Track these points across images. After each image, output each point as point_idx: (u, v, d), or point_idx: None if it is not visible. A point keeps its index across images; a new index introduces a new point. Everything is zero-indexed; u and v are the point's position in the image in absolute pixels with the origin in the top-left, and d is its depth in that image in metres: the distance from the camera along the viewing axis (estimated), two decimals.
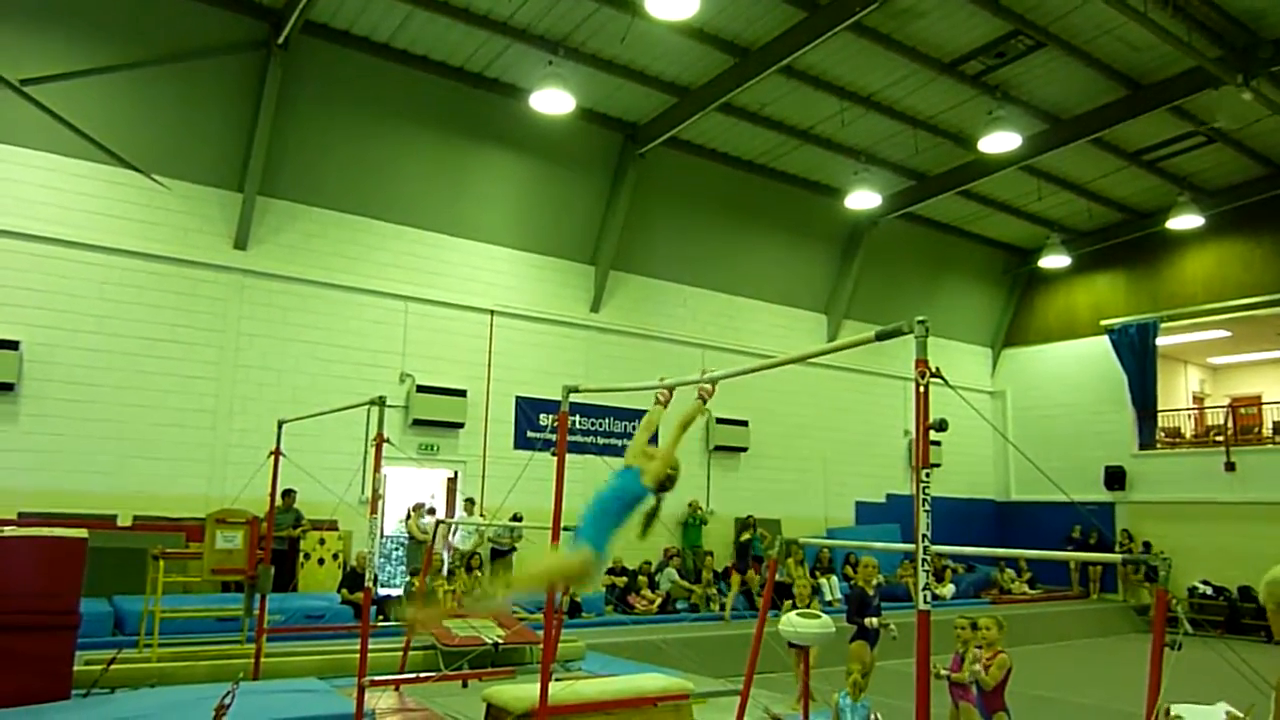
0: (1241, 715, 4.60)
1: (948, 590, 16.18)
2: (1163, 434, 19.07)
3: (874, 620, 7.96)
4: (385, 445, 6.45)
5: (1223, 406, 19.31)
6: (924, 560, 3.12)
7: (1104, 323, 19.22)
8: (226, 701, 4.68)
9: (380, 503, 6.64)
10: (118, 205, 11.43)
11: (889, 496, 18.69)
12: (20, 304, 10.79)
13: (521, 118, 13.20)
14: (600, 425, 15.07)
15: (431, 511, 13.25)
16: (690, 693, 6.76)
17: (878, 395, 18.79)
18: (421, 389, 13.25)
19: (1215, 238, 17.70)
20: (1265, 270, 17.12)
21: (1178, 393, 21.06)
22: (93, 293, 11.25)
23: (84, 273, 11.20)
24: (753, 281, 17.13)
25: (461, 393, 13.62)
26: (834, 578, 15.13)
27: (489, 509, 13.17)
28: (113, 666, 7.06)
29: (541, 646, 6.93)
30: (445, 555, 13.18)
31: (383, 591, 11.97)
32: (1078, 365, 19.95)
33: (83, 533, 6.39)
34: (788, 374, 16.94)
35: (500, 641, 9.05)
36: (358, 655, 6.35)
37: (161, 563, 8.41)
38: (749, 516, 16.07)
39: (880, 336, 3.55)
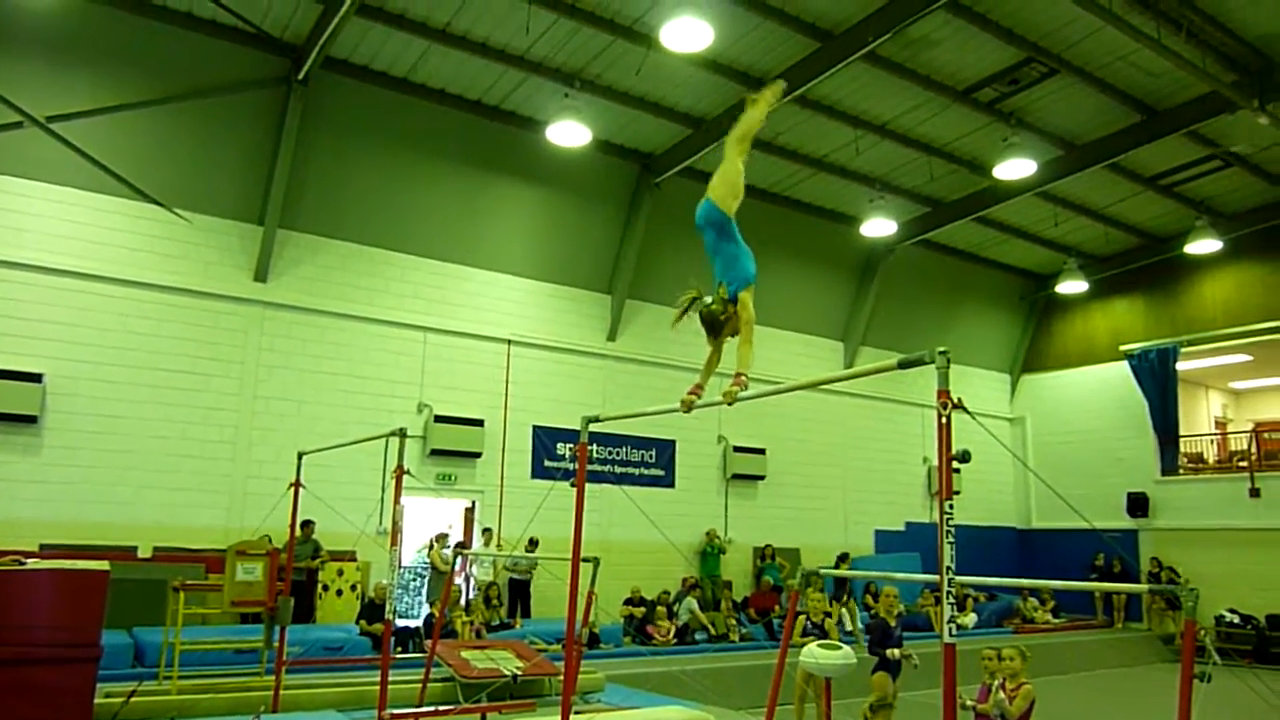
0: None
1: (970, 620, 15.99)
2: (1185, 460, 18.85)
3: (895, 651, 7.88)
4: (404, 476, 6.47)
5: (1246, 431, 19.10)
6: (949, 592, 3.10)
7: (1123, 348, 19.08)
8: None
9: (399, 535, 6.64)
10: (140, 239, 11.58)
11: (908, 524, 18.54)
12: (43, 337, 10.91)
13: (538, 149, 13.32)
14: (617, 454, 15.06)
15: (460, 546, 13.23)
16: None
17: (896, 422, 18.70)
18: (439, 419, 13.28)
19: (1234, 261, 17.59)
20: None
21: (1199, 418, 20.84)
22: (115, 325, 11.37)
23: (106, 306, 11.33)
24: (769, 309, 16.98)
25: (479, 422, 13.64)
26: (854, 605, 14.98)
27: (507, 539, 13.16)
28: (133, 699, 7.06)
29: (561, 678, 6.89)
30: (465, 586, 13.17)
31: (401, 623, 11.93)
32: (1098, 391, 19.78)
33: (104, 565, 6.41)
34: (805, 402, 16.92)
35: (519, 674, 9.00)
36: (377, 687, 6.33)
37: (182, 594, 8.42)
38: (767, 546, 16.00)
39: (903, 365, 3.55)
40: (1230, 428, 21.03)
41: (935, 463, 3.14)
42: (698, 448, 15.99)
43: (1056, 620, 17.78)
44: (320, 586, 11.97)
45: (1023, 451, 20.29)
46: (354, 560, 12.29)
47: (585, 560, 6.27)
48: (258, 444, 12.06)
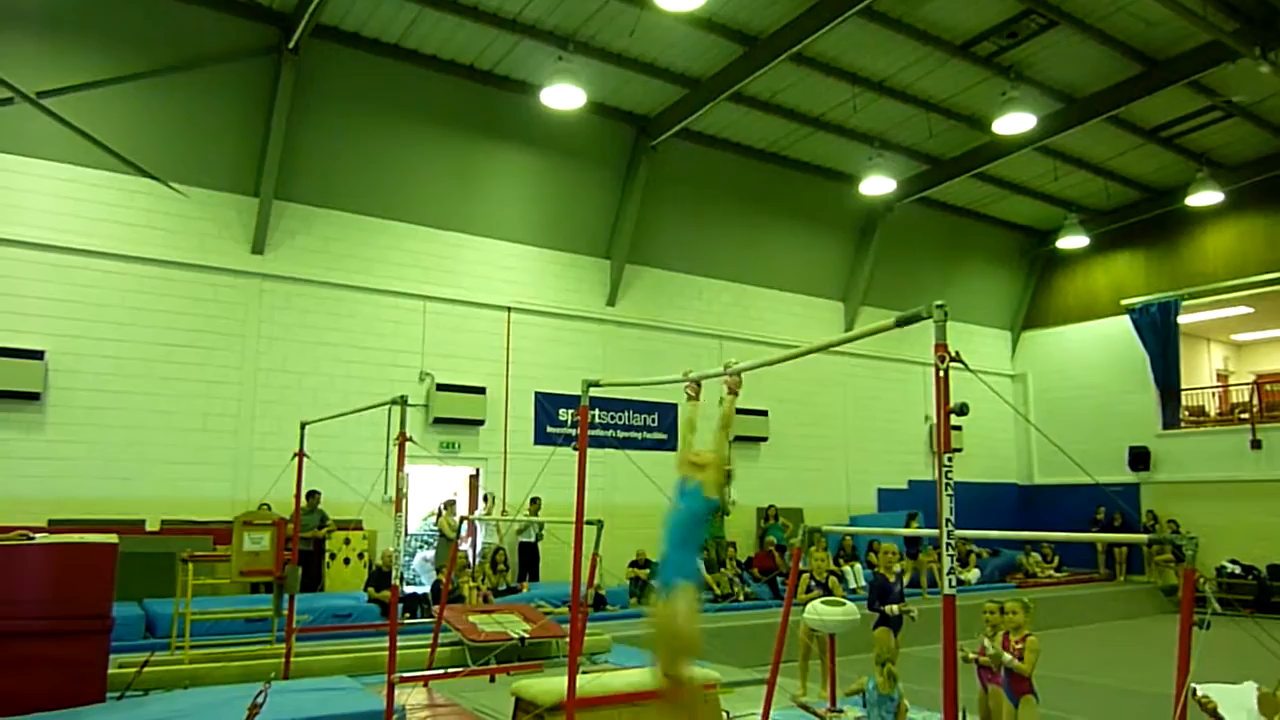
0: (1271, 693, 4.58)
1: (973, 575, 16.12)
2: (1187, 413, 18.90)
3: (894, 607, 7.95)
4: (407, 444, 6.49)
5: (1247, 384, 19.12)
6: (948, 545, 3.12)
7: (1124, 302, 19.06)
8: (259, 701, 4.74)
9: (404, 501, 6.69)
10: (136, 214, 11.53)
11: (911, 482, 18.63)
12: (43, 314, 10.91)
13: (533, 114, 13.21)
14: (619, 419, 15.10)
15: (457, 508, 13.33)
16: (717, 683, 6.78)
17: (897, 381, 18.74)
18: (441, 387, 13.31)
19: (1235, 213, 17.50)
20: None
21: (1201, 371, 20.86)
22: (114, 301, 11.36)
23: (105, 281, 11.31)
24: (768, 271, 17.09)
25: (481, 390, 13.67)
26: (857, 564, 15.10)
27: (511, 505, 13.23)
28: (146, 669, 7.15)
29: (567, 640, 6.97)
30: (470, 552, 13.27)
31: (408, 589, 12.05)
32: (1099, 346, 19.79)
33: (113, 538, 6.47)
34: (806, 363, 16.90)
35: (526, 636, 9.10)
36: (386, 653, 6.41)
37: (190, 566, 8.51)
38: (770, 506, 16.09)
39: (900, 323, 3.54)
40: (1231, 380, 21.05)
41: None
42: (700, 410, 15.98)
43: (1059, 574, 17.93)
44: (328, 555, 12.07)
45: (1024, 408, 20.34)
46: (360, 529, 12.37)
47: (589, 523, 6.32)
48: (260, 416, 12.10)
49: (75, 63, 10.71)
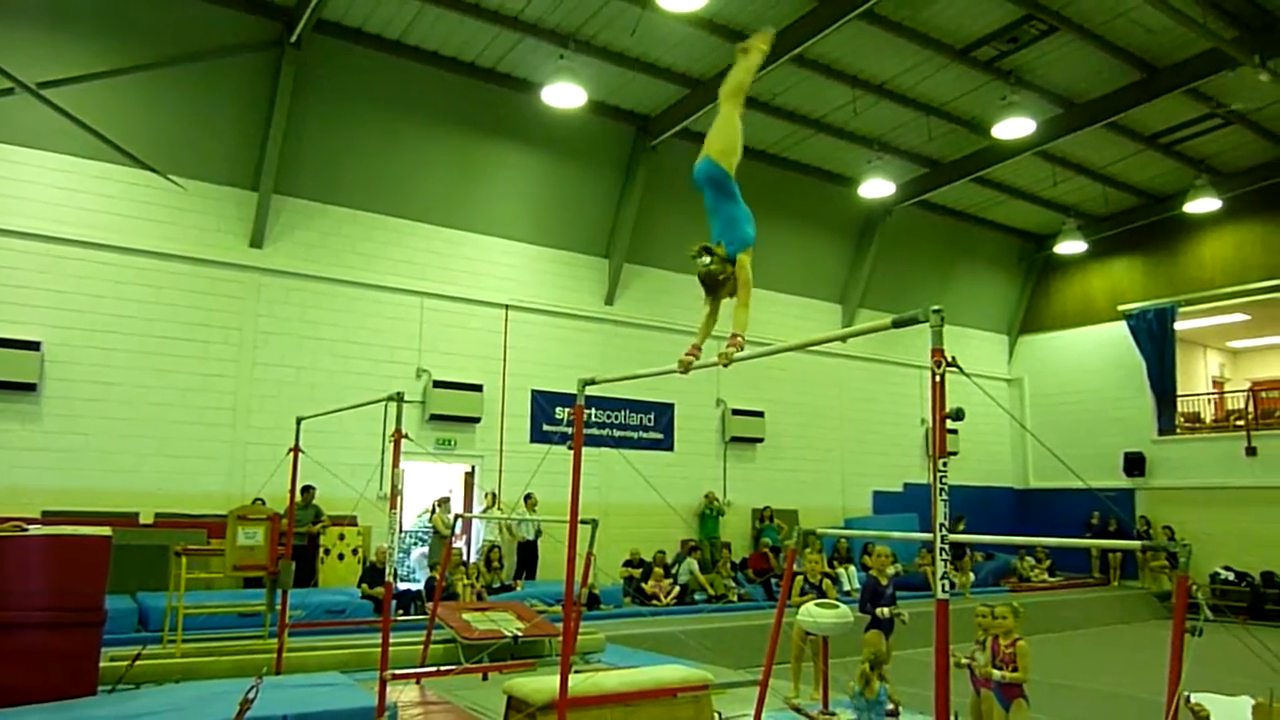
0: (1267, 704, 4.58)
1: (967, 579, 16.13)
2: (1182, 419, 18.93)
3: (885, 610, 7.94)
4: (403, 440, 6.49)
5: (1243, 391, 19.15)
6: (942, 549, 3.12)
7: (1121, 308, 19.09)
8: (251, 696, 4.72)
9: (399, 498, 6.68)
10: (135, 206, 11.52)
11: (906, 485, 18.65)
12: (40, 305, 10.89)
13: (533, 112, 13.21)
14: (615, 418, 15.10)
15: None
16: (710, 683, 6.78)
17: (894, 384, 18.75)
18: (438, 384, 13.30)
19: (1233, 220, 17.54)
20: None
21: (1197, 377, 20.90)
22: (111, 293, 11.34)
23: (103, 273, 11.30)
24: (767, 272, 17.04)
25: (478, 387, 13.66)
26: (852, 567, 15.11)
27: (506, 503, 13.23)
28: (137, 662, 7.13)
29: (561, 639, 6.96)
30: (466, 549, 13.26)
31: (402, 586, 12.04)
32: (1095, 351, 19.82)
33: (106, 531, 6.45)
34: (803, 364, 16.95)
35: (520, 634, 9.10)
36: (379, 649, 6.40)
37: (184, 559, 8.48)
38: (765, 508, 16.09)
39: (896, 324, 3.54)
40: (1227, 387, 21.07)
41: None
42: (696, 411, 16.03)
43: (1053, 579, 17.95)
44: (322, 551, 12.06)
45: (1020, 412, 20.36)
46: (355, 525, 12.36)
47: (584, 522, 6.31)
48: (257, 410, 12.09)
49: (76, 54, 10.70)
